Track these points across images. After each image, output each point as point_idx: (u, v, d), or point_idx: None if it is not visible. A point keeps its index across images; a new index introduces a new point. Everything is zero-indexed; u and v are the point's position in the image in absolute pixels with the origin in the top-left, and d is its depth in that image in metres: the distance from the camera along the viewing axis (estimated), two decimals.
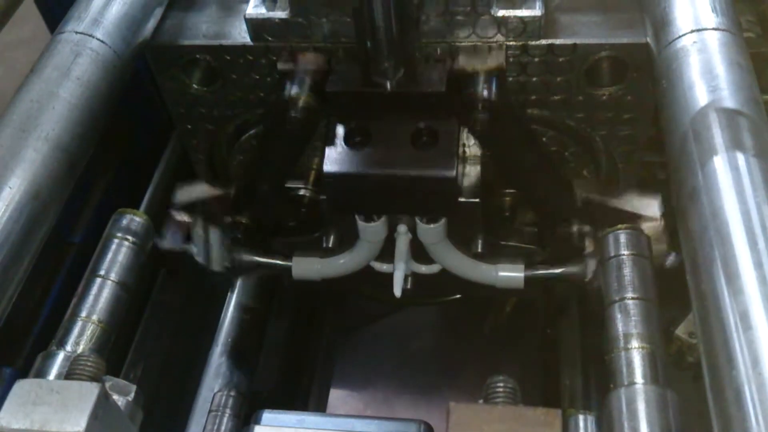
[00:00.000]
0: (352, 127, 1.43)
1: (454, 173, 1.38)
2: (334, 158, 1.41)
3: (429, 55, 1.43)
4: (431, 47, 1.43)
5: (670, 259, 1.41)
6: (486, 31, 1.40)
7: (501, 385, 1.13)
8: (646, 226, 1.47)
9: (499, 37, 1.40)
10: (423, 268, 1.70)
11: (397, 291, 1.64)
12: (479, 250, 1.64)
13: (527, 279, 1.65)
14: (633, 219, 1.57)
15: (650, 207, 1.49)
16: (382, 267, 1.70)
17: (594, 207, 1.57)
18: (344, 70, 1.43)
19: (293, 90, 1.43)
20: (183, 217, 1.66)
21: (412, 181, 1.40)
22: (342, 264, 1.70)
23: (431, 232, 1.55)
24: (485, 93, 1.37)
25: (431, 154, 1.39)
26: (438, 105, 1.39)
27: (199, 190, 1.69)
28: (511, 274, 1.62)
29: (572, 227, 1.56)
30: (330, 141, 1.44)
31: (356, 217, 1.56)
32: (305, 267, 1.71)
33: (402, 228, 1.59)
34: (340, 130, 1.44)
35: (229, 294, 2.10)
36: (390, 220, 1.58)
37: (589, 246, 1.54)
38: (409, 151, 1.40)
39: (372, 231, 1.56)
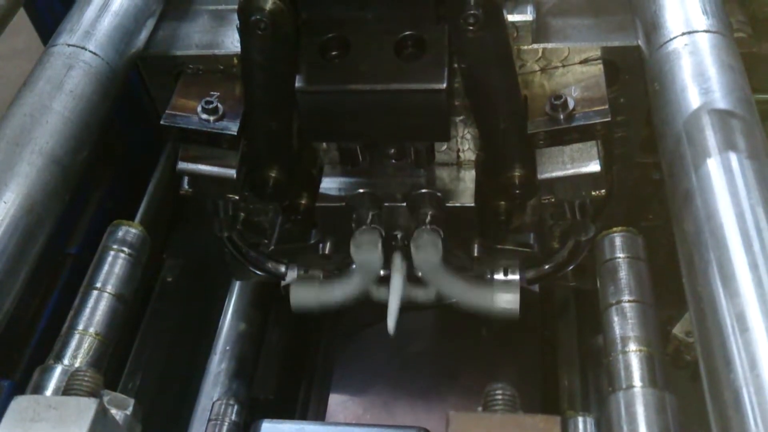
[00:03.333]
0: (328, 37, 1.29)
1: (443, 85, 1.25)
2: (310, 73, 1.27)
3: None
4: None
5: None
6: None
7: (500, 392, 1.13)
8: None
9: None
10: (420, 294, 1.68)
11: (391, 325, 1.58)
12: (475, 254, 1.64)
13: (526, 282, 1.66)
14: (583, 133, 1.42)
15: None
16: (380, 293, 1.67)
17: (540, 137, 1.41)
18: None
19: None
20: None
21: (397, 95, 1.26)
22: (340, 294, 1.66)
23: (427, 264, 1.50)
24: None
25: (418, 65, 1.26)
26: (424, 6, 1.25)
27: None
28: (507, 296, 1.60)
29: (515, 171, 1.46)
30: (305, 55, 1.29)
31: (351, 247, 1.49)
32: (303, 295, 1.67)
33: (397, 261, 1.54)
34: (315, 42, 1.29)
35: (227, 302, 2.10)
36: (385, 250, 1.53)
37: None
38: (394, 63, 1.27)
39: (367, 263, 1.50)
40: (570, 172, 1.37)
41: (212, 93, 1.45)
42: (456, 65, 1.33)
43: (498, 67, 1.32)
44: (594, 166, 1.36)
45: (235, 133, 1.41)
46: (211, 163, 1.47)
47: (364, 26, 1.28)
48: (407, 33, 1.28)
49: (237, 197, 1.53)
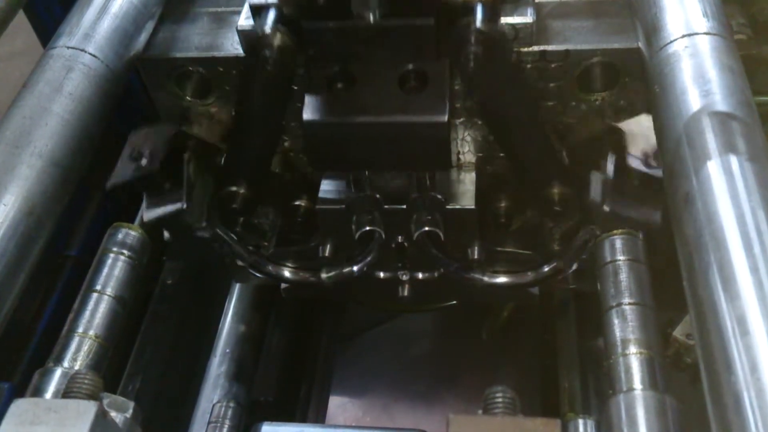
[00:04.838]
0: (334, 71, 1.33)
1: (446, 118, 1.29)
2: (316, 106, 1.31)
3: None
4: None
5: None
6: None
7: (500, 395, 1.13)
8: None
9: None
10: (421, 275, 1.70)
11: None
12: (475, 257, 1.64)
13: (524, 284, 1.66)
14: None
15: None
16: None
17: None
18: (322, 3, 1.30)
19: (267, 26, 1.29)
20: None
21: (400, 128, 1.31)
22: None
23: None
24: (479, 23, 1.25)
25: (421, 98, 1.30)
26: (427, 41, 1.29)
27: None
28: None
29: (554, 188, 1.48)
30: (311, 87, 1.33)
31: None
32: None
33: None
34: (321, 75, 1.34)
35: (227, 304, 2.10)
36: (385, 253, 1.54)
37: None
38: (397, 96, 1.31)
39: None
40: (633, 215, 1.39)
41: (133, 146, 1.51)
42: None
43: (507, 94, 1.37)
44: (656, 218, 1.39)
45: (158, 167, 1.46)
46: (162, 203, 1.52)
47: (368, 60, 1.32)
48: (410, 67, 1.32)
49: (205, 229, 1.57)
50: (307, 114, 1.32)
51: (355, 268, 1.61)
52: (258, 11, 1.32)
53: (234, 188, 1.54)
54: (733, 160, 1.03)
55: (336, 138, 1.35)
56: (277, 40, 1.29)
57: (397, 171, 1.50)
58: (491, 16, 1.28)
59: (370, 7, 1.24)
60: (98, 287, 1.39)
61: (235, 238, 1.65)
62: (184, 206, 1.49)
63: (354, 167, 1.46)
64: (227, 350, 1.99)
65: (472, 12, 1.26)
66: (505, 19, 1.37)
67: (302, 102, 1.36)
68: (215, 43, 1.51)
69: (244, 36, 1.44)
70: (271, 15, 1.31)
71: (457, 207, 1.54)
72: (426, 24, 1.28)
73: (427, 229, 1.56)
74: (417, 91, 1.32)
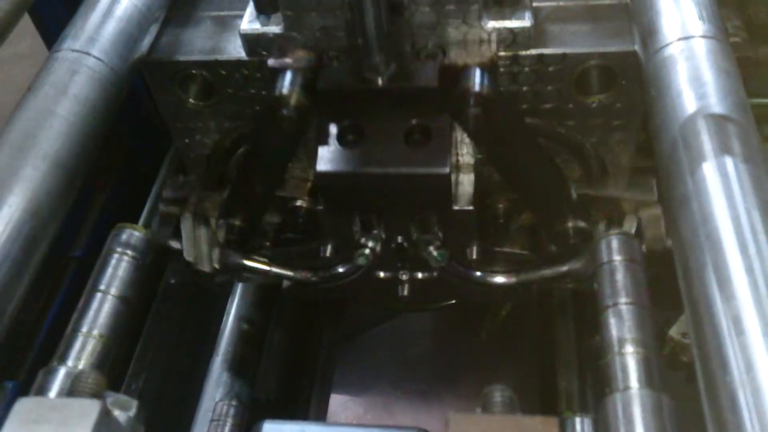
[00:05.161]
0: (344, 125, 1.43)
1: (447, 170, 1.39)
2: (328, 157, 1.42)
3: (420, 50, 1.42)
4: (422, 40, 1.41)
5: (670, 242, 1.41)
6: (476, 20, 1.38)
7: (498, 393, 1.14)
8: (644, 213, 1.46)
9: (489, 26, 1.38)
10: (420, 275, 1.72)
11: None
12: (474, 257, 1.65)
13: (523, 283, 1.67)
14: (630, 206, 1.58)
15: (646, 191, 1.51)
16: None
17: (590, 200, 1.57)
18: (335, 67, 1.42)
19: (284, 88, 1.40)
20: (172, 209, 1.67)
21: (406, 179, 1.40)
22: None
23: None
24: (477, 87, 1.35)
25: (425, 151, 1.40)
26: (430, 101, 1.38)
27: (190, 186, 1.69)
28: None
29: (568, 223, 1.57)
30: (322, 139, 1.43)
31: None
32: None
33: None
34: (332, 129, 1.44)
35: (229, 303, 2.12)
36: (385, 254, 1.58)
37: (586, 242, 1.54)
38: (403, 149, 1.40)
39: None
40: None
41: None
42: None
43: (512, 145, 1.46)
44: None
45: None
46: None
47: (376, 116, 1.42)
48: (415, 122, 1.41)
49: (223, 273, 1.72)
50: (320, 165, 1.42)
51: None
52: (276, 73, 1.43)
53: (233, 221, 1.65)
54: (729, 162, 1.04)
55: (346, 187, 1.46)
56: (294, 100, 1.39)
57: (402, 214, 1.61)
58: (490, 79, 1.37)
59: (380, 72, 1.36)
60: (102, 287, 1.40)
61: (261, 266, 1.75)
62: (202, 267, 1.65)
63: (363, 211, 1.59)
64: (229, 349, 2.01)
65: (472, 76, 1.36)
66: (503, 23, 1.38)
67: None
68: (218, 46, 1.52)
69: (247, 39, 1.46)
70: (289, 77, 1.41)
71: (456, 208, 1.55)
72: (430, 86, 1.37)
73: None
74: (421, 145, 1.41)
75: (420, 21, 1.39)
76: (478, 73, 1.37)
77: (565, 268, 1.61)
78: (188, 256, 1.68)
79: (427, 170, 1.40)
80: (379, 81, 1.37)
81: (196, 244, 1.66)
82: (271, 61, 1.44)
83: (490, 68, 1.38)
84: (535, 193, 1.57)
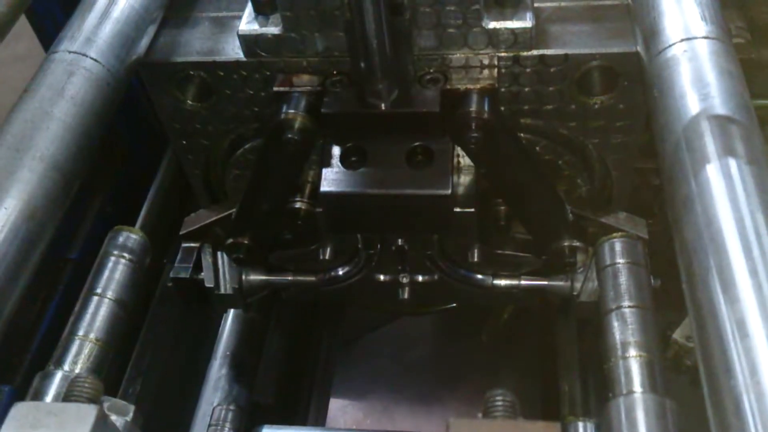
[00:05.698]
0: (348, 147, 1.46)
1: (449, 191, 1.42)
2: (331, 178, 1.45)
3: (422, 76, 1.44)
4: (424, 64, 1.44)
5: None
6: (478, 43, 1.40)
7: (500, 398, 1.13)
8: None
9: (491, 50, 1.40)
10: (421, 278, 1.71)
11: None
12: (475, 259, 1.64)
13: (520, 288, 1.67)
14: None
15: (638, 227, 1.52)
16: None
17: (586, 223, 1.59)
18: (339, 92, 1.44)
19: (289, 112, 1.43)
20: (192, 244, 1.72)
21: (408, 199, 1.43)
22: None
23: None
24: (478, 112, 1.37)
25: (426, 172, 1.43)
26: (432, 125, 1.41)
27: (203, 217, 1.72)
28: None
29: (564, 242, 1.59)
30: (326, 161, 1.46)
31: None
32: None
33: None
34: (336, 151, 1.47)
35: None
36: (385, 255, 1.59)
37: (580, 261, 1.57)
38: (405, 170, 1.43)
39: None
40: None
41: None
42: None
43: (512, 167, 1.48)
44: None
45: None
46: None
47: (379, 138, 1.45)
48: (417, 144, 1.44)
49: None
50: (324, 186, 1.45)
51: None
52: (282, 97, 1.45)
53: (240, 239, 1.66)
54: (732, 164, 1.03)
55: (350, 207, 1.48)
56: (299, 123, 1.42)
57: (403, 235, 1.63)
58: (491, 103, 1.38)
59: (383, 98, 1.38)
60: (99, 290, 1.39)
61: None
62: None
63: (365, 231, 1.61)
64: (227, 353, 2.00)
65: (473, 100, 1.38)
66: (504, 24, 1.37)
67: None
68: (216, 47, 1.51)
69: (245, 40, 1.45)
70: (294, 101, 1.44)
71: (457, 210, 1.54)
72: (432, 111, 1.39)
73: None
74: (423, 166, 1.44)
75: (422, 44, 1.41)
76: (479, 98, 1.39)
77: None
78: (209, 284, 1.71)
79: (428, 191, 1.42)
80: (383, 106, 1.39)
81: (217, 271, 1.71)
82: (276, 86, 1.47)
83: (490, 93, 1.40)
84: (532, 212, 1.59)
